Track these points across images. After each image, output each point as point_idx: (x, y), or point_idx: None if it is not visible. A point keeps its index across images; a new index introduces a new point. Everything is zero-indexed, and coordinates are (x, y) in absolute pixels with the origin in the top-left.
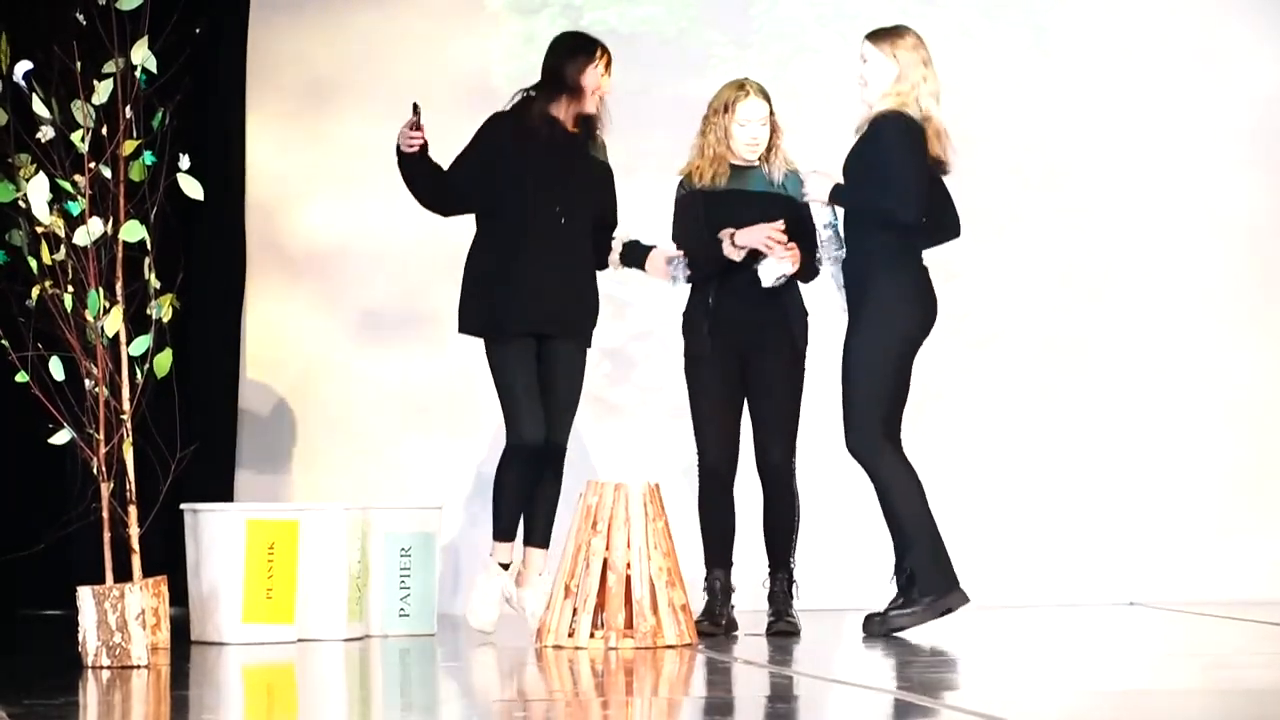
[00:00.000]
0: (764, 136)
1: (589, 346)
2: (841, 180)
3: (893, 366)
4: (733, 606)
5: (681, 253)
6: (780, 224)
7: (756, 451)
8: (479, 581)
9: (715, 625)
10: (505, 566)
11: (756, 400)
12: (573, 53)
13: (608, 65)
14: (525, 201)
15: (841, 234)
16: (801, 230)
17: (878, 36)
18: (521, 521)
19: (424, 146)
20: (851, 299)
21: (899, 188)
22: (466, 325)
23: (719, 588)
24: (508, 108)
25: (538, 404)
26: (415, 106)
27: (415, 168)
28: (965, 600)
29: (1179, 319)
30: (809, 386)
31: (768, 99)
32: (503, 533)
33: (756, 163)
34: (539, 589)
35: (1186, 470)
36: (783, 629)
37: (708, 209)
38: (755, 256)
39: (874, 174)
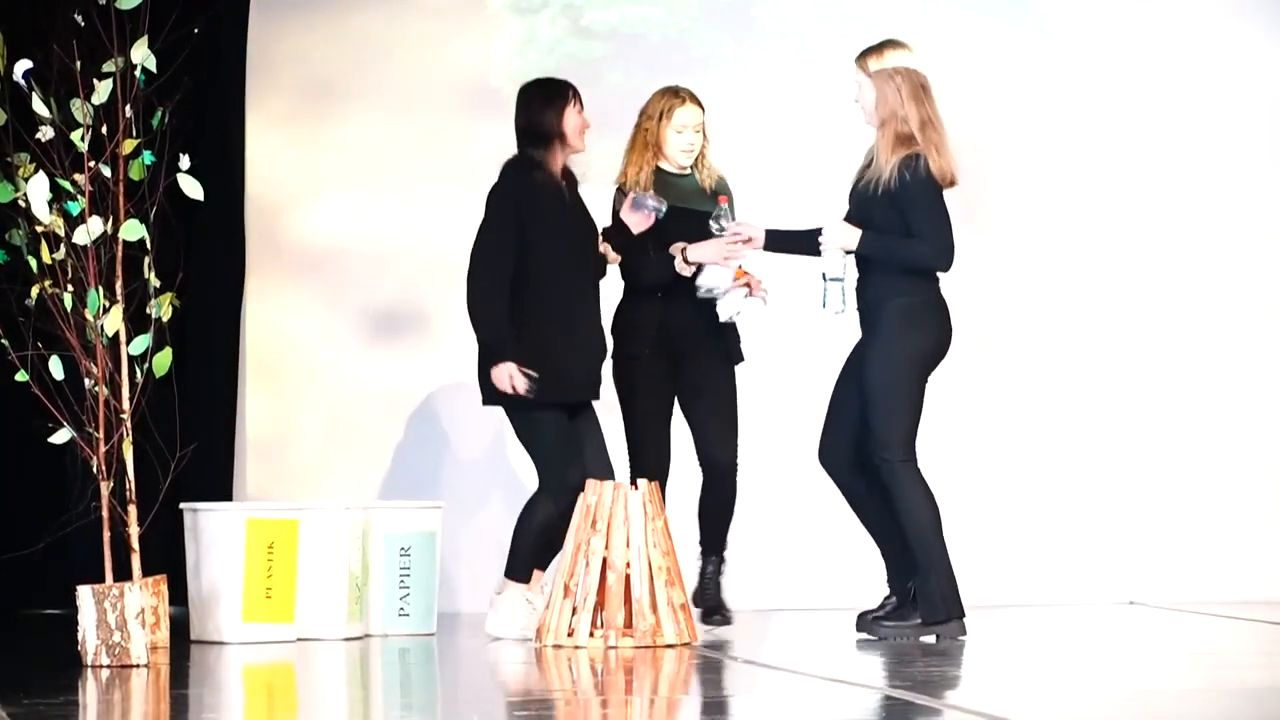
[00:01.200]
0: (699, 143)
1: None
2: (857, 229)
3: (911, 385)
4: (725, 600)
5: (641, 191)
6: (734, 237)
7: (699, 452)
8: (509, 600)
9: (709, 615)
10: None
11: (692, 405)
12: (548, 101)
13: (579, 102)
14: (563, 270)
15: (850, 291)
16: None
17: (864, 58)
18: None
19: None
20: (868, 318)
21: (933, 240)
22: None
23: (710, 575)
24: (507, 166)
25: (580, 452)
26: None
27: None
28: (962, 633)
29: (1180, 318)
30: (815, 391)
31: (702, 106)
32: (522, 575)
33: (689, 170)
34: (537, 600)
35: (1187, 470)
36: (719, 621)
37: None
38: (700, 269)
39: (901, 224)
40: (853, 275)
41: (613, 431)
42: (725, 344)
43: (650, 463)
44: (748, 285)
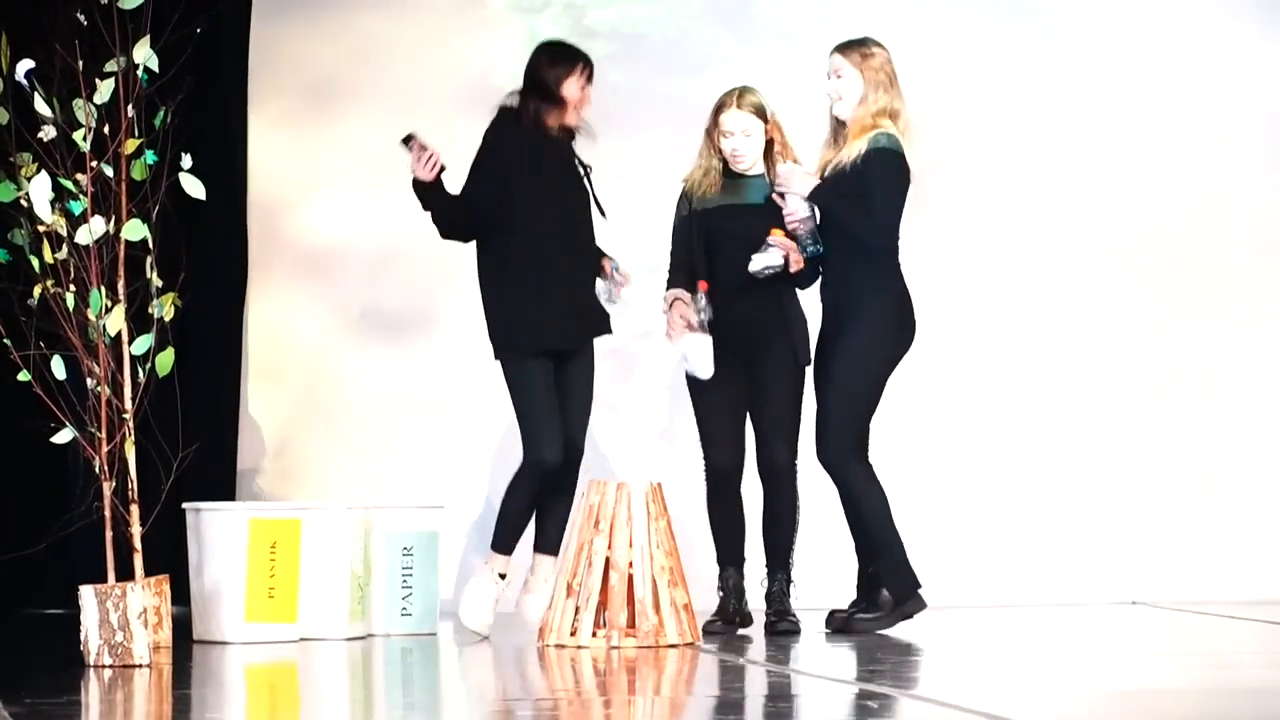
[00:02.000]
0: (746, 148)
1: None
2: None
3: (873, 384)
4: (747, 603)
5: (700, 293)
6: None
7: (759, 453)
8: (472, 583)
9: (728, 624)
10: (502, 576)
11: (758, 403)
12: (553, 62)
13: (589, 77)
14: (548, 215)
15: (818, 231)
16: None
17: (846, 49)
18: (532, 526)
19: (442, 169)
20: (835, 314)
21: (880, 219)
22: (507, 346)
23: (731, 585)
24: (503, 110)
25: (560, 424)
26: (409, 137)
27: (434, 196)
28: (923, 606)
29: (1183, 316)
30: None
31: (758, 110)
32: (505, 547)
33: (752, 172)
34: (544, 595)
35: (1189, 469)
36: (785, 628)
37: (698, 227)
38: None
39: (856, 193)
40: (815, 214)
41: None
42: (790, 341)
43: (716, 466)
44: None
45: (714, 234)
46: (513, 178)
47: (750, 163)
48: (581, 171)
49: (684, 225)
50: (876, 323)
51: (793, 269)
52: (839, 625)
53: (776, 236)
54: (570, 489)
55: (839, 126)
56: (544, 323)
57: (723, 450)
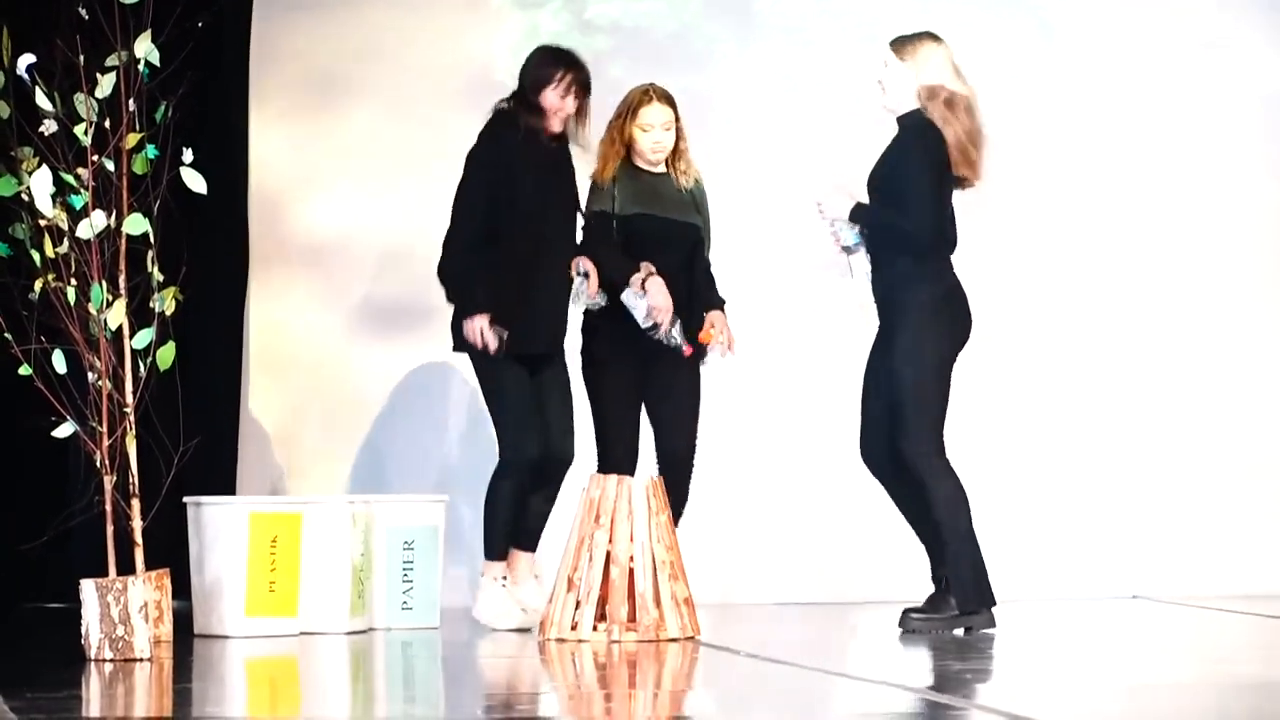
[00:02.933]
0: (668, 141)
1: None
2: (859, 198)
3: (937, 375)
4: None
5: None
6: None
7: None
8: (482, 592)
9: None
10: (504, 578)
11: (655, 402)
12: (536, 67)
13: (569, 86)
14: (527, 219)
15: (864, 249)
16: (702, 250)
17: (901, 43)
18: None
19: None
20: (887, 313)
21: (915, 210)
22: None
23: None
24: (495, 114)
25: (535, 423)
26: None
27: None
28: (992, 623)
29: (1183, 314)
30: (816, 386)
31: (672, 105)
32: (499, 553)
33: (662, 169)
34: (532, 589)
35: (1190, 464)
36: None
37: (622, 233)
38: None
39: (893, 190)
40: (861, 239)
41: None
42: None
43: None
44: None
45: (636, 246)
46: (494, 183)
47: (664, 156)
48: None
49: (603, 224)
50: (929, 315)
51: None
52: (903, 622)
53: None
54: (554, 492)
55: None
56: (513, 326)
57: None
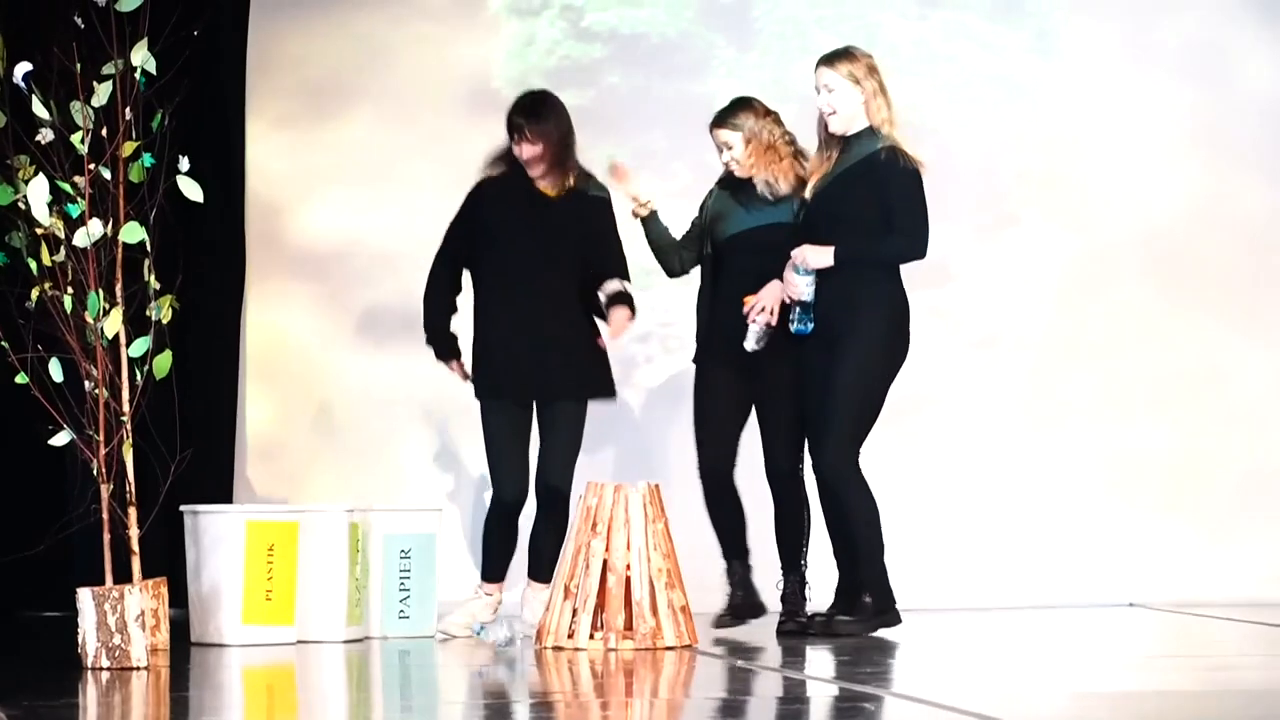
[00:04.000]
0: (736, 158)
1: (591, 398)
2: (827, 243)
3: (878, 395)
4: (756, 593)
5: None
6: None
7: (765, 456)
8: (469, 603)
9: (736, 619)
10: (489, 594)
11: (764, 407)
12: (508, 128)
13: (518, 138)
14: (493, 270)
15: (810, 308)
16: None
17: (835, 60)
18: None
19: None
20: (833, 325)
21: (912, 235)
22: (475, 383)
23: (737, 578)
24: (469, 194)
25: (518, 462)
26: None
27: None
28: (899, 620)
29: (1179, 320)
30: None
31: (733, 126)
32: (488, 574)
33: (753, 175)
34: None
35: (1186, 471)
36: (790, 629)
37: (708, 216)
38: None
39: (876, 218)
40: (812, 293)
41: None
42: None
43: (705, 464)
44: (764, 309)
45: (716, 235)
46: (477, 236)
47: (747, 170)
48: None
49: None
50: (875, 335)
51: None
52: (820, 628)
53: (751, 307)
54: (561, 524)
55: (830, 139)
56: (499, 372)
57: (717, 451)
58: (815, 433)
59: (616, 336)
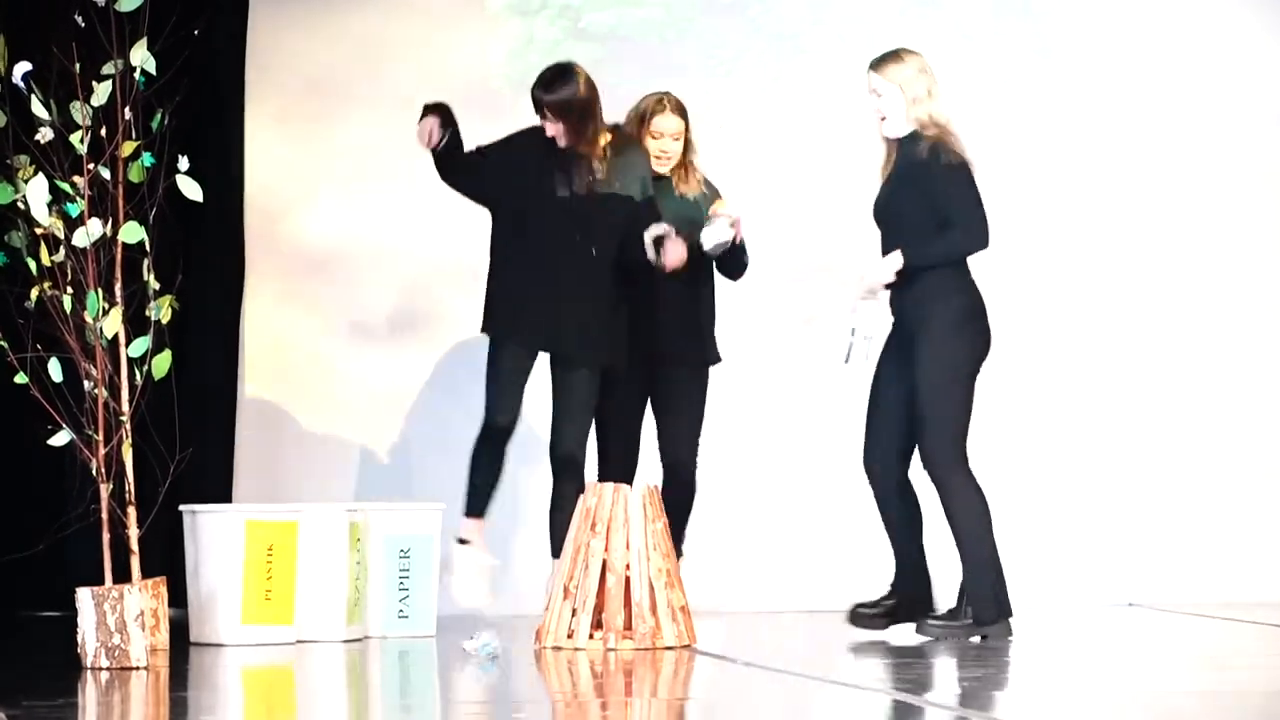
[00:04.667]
0: (675, 151)
1: (603, 367)
2: (895, 255)
3: (966, 387)
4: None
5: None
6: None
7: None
8: (454, 565)
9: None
10: (462, 542)
11: (663, 403)
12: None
13: (544, 113)
14: (523, 216)
15: (877, 347)
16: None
17: (882, 64)
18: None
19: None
20: (907, 323)
21: (968, 226)
22: (487, 320)
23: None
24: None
25: (518, 392)
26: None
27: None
28: (1009, 634)
29: (1178, 320)
30: (805, 394)
31: (684, 115)
32: (473, 508)
33: (667, 174)
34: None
35: (1186, 471)
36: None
37: None
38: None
39: (935, 218)
40: (884, 331)
41: None
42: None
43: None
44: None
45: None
46: (517, 177)
47: (671, 166)
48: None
49: None
50: (956, 325)
51: (737, 239)
52: (929, 631)
53: (719, 208)
54: (569, 498)
55: (887, 144)
56: (514, 315)
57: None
58: (918, 435)
59: (672, 265)
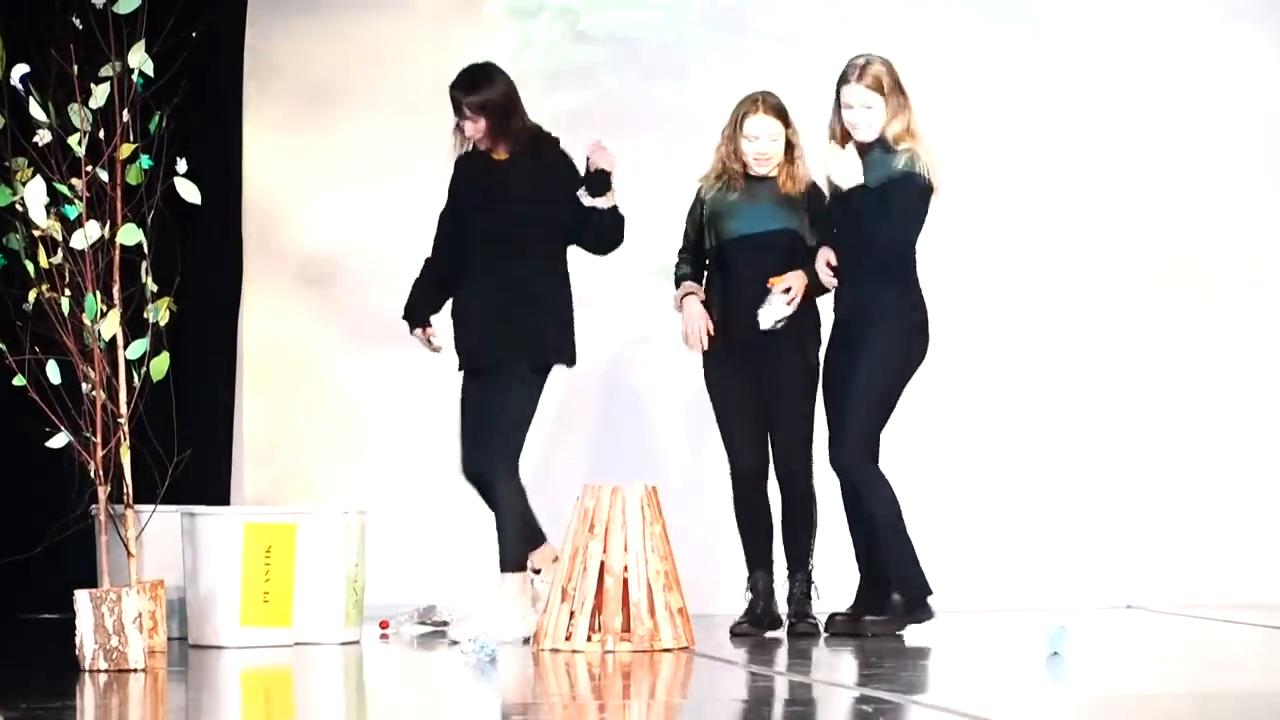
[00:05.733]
0: (774, 152)
1: (537, 369)
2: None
3: (889, 392)
4: (776, 605)
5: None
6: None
7: (774, 456)
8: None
9: (755, 625)
10: (535, 571)
11: (772, 408)
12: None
13: (466, 112)
14: (458, 240)
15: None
16: (802, 253)
17: (851, 75)
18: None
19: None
20: (851, 324)
21: (894, 235)
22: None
23: (760, 588)
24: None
25: (469, 436)
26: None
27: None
28: (932, 614)
29: (1178, 320)
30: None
31: (783, 117)
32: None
33: (773, 174)
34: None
35: (1184, 472)
36: (803, 630)
37: (706, 212)
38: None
39: (877, 210)
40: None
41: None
42: (801, 345)
43: (739, 468)
44: (788, 290)
45: (723, 232)
46: (452, 202)
47: (772, 166)
48: (537, 194)
49: (693, 217)
50: (904, 338)
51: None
52: (842, 628)
53: (776, 286)
54: (493, 505)
55: (857, 147)
56: (458, 344)
57: (744, 452)
58: (833, 431)
59: (605, 166)
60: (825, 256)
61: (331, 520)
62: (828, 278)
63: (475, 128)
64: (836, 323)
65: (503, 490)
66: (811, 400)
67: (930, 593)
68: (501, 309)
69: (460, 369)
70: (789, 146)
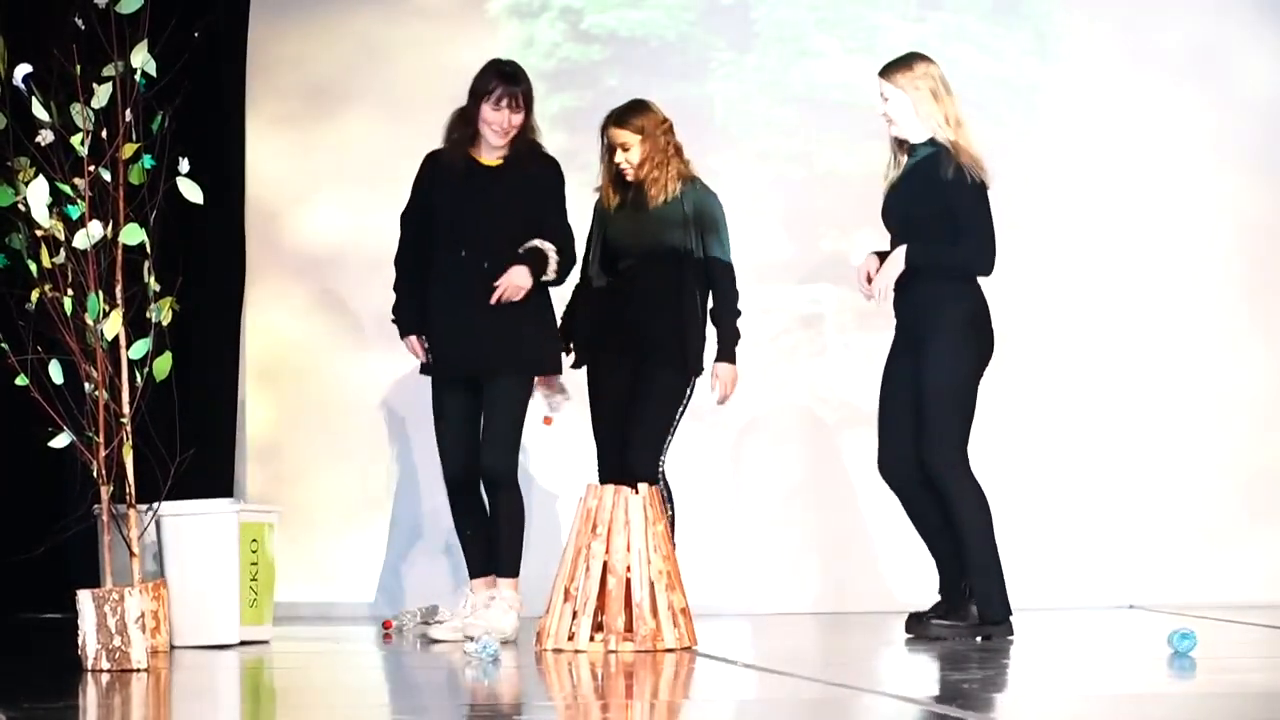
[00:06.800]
0: (627, 163)
1: (531, 373)
2: (900, 254)
3: (969, 391)
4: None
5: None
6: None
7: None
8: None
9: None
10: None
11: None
12: (476, 86)
13: (509, 102)
14: (437, 244)
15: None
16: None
17: (888, 70)
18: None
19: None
20: (915, 327)
21: (977, 244)
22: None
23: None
24: (423, 160)
25: (460, 438)
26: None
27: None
28: (1010, 634)
29: (1178, 322)
30: (845, 396)
31: (631, 127)
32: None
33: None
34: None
35: (1187, 473)
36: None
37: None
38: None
39: (944, 227)
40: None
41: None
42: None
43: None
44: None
45: (612, 238)
46: (425, 205)
47: (633, 172)
48: (513, 196)
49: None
50: (963, 330)
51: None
52: (912, 629)
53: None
54: (505, 509)
55: (899, 146)
56: (434, 351)
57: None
58: (918, 436)
59: (504, 292)
60: (869, 267)
61: (224, 519)
62: (866, 290)
63: (518, 120)
64: (900, 325)
65: (506, 496)
66: (676, 401)
67: (1010, 614)
68: (488, 317)
69: (446, 378)
70: (650, 149)
